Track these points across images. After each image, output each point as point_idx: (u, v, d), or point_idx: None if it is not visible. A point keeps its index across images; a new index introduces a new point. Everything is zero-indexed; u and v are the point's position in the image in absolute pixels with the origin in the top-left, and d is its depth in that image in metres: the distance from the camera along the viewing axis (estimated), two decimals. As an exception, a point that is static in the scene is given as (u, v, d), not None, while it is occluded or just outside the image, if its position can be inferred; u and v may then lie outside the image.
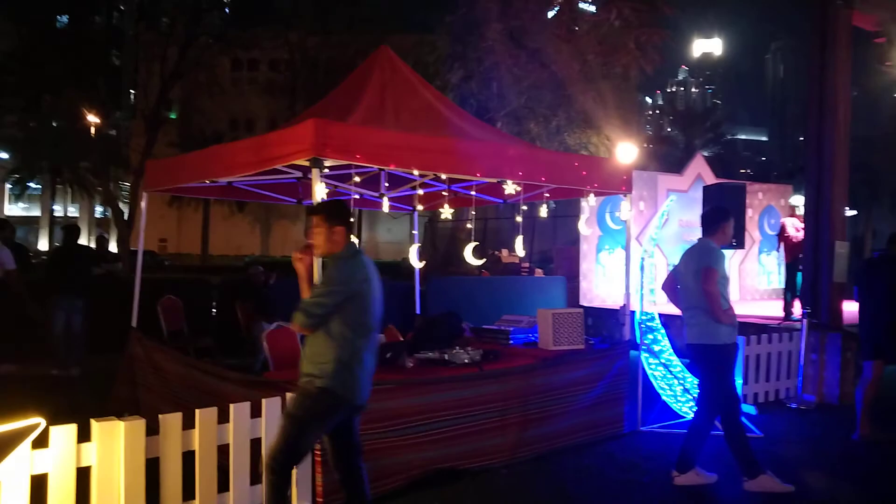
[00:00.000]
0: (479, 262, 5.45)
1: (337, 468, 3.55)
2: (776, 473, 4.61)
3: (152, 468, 3.36)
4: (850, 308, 8.47)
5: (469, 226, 5.48)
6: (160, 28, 26.67)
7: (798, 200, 9.91)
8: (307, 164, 4.24)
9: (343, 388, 3.31)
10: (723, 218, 4.81)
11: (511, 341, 6.03)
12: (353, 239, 3.49)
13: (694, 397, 6.05)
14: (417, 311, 8.23)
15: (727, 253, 10.19)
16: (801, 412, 7.00)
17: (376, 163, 4.50)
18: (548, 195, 5.78)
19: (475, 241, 5.53)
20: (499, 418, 5.06)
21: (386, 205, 5.83)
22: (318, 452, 4.04)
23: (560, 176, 5.50)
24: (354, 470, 3.53)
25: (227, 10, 32.65)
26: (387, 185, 5.41)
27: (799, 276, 9.18)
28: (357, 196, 6.04)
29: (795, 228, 9.44)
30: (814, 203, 7.91)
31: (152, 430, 3.39)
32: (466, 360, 5.13)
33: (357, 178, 4.97)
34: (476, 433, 4.94)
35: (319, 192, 4.16)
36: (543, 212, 5.83)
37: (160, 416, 3.52)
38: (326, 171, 4.44)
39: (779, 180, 27.51)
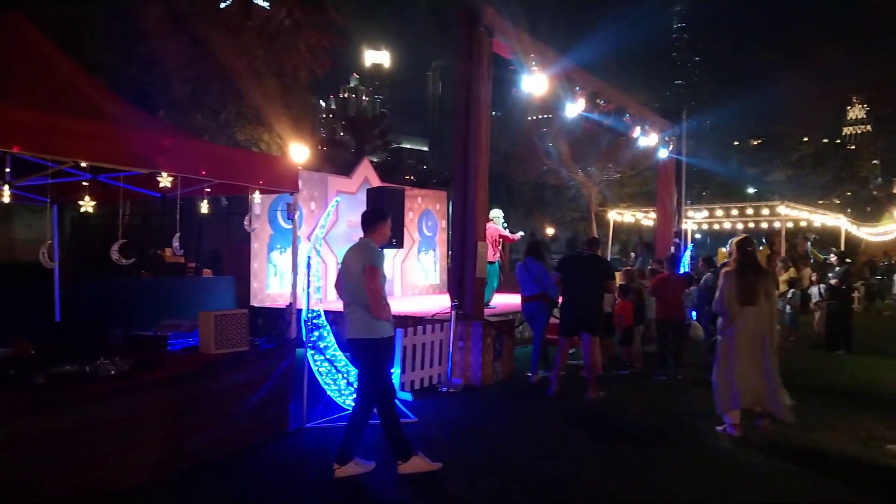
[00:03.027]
0: (128, 262, 4.94)
1: None
2: (428, 453, 5.00)
3: None
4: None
5: (117, 221, 4.93)
6: None
7: (495, 213, 11.62)
8: None
9: None
10: (380, 219, 5.06)
11: (169, 347, 5.60)
12: None
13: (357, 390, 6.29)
14: (58, 319, 7.20)
15: (389, 251, 10.80)
16: (450, 395, 7.74)
17: (-8, 144, 3.79)
18: (209, 190, 5.49)
19: (125, 238, 5.00)
20: (153, 431, 4.66)
21: (7, 195, 4.95)
22: None
23: (223, 171, 5.25)
24: None
25: None
26: (9, 171, 4.58)
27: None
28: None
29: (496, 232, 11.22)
30: (461, 208, 8.80)
31: None
32: (113, 372, 4.61)
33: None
34: (127, 450, 4.49)
35: None
36: (204, 207, 5.52)
37: None
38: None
39: (437, 187, 30.28)
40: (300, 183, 6.30)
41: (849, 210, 34.16)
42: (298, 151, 12.57)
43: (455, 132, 9.08)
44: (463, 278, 8.64)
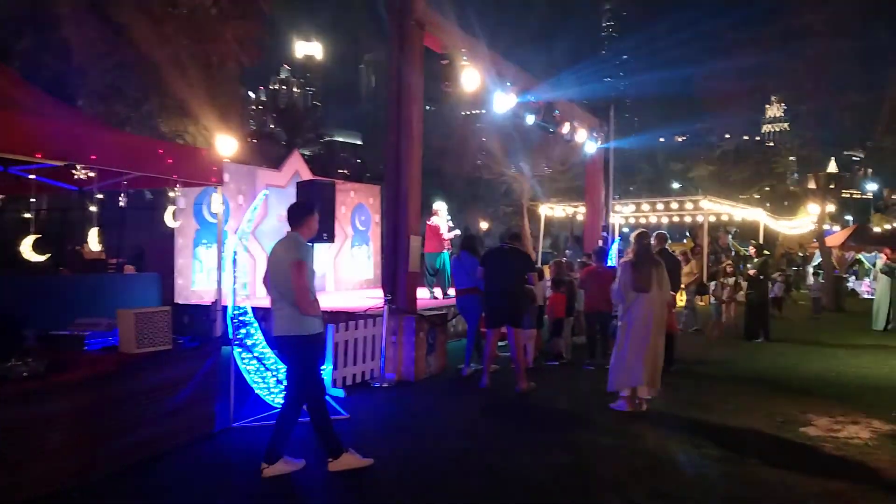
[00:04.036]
0: (42, 258, 4.70)
1: None
2: (359, 449, 4.96)
3: None
4: (423, 294, 9.66)
5: (27, 215, 4.70)
6: None
7: (440, 205, 12.04)
8: None
9: None
10: (307, 212, 4.96)
11: (87, 347, 5.36)
12: None
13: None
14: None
15: (322, 246, 10.64)
16: (383, 390, 7.70)
17: None
18: (126, 183, 5.27)
19: (38, 233, 4.75)
20: (71, 435, 4.45)
21: None
22: None
23: (141, 163, 5.05)
24: None
25: None
26: None
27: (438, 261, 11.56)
28: None
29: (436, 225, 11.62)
30: (393, 201, 8.76)
31: None
32: (26, 374, 4.38)
33: None
34: (43, 455, 4.28)
35: None
36: (124, 202, 5.30)
37: None
38: None
39: (371, 181, 30.06)
40: (227, 176, 6.16)
41: (767, 204, 35.72)
42: (225, 144, 12.18)
43: (387, 125, 9.02)
44: (396, 272, 8.60)
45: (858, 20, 19.16)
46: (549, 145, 26.69)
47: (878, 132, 19.62)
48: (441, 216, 11.75)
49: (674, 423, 6.34)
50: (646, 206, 22.62)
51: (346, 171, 64.69)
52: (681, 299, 13.83)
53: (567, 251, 24.89)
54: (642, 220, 23.23)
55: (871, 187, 51.73)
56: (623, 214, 22.90)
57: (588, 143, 14.55)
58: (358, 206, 15.04)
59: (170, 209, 5.56)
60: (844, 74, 20.51)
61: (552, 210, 24.97)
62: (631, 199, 27.16)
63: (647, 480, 4.80)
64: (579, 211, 22.60)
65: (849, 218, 51.63)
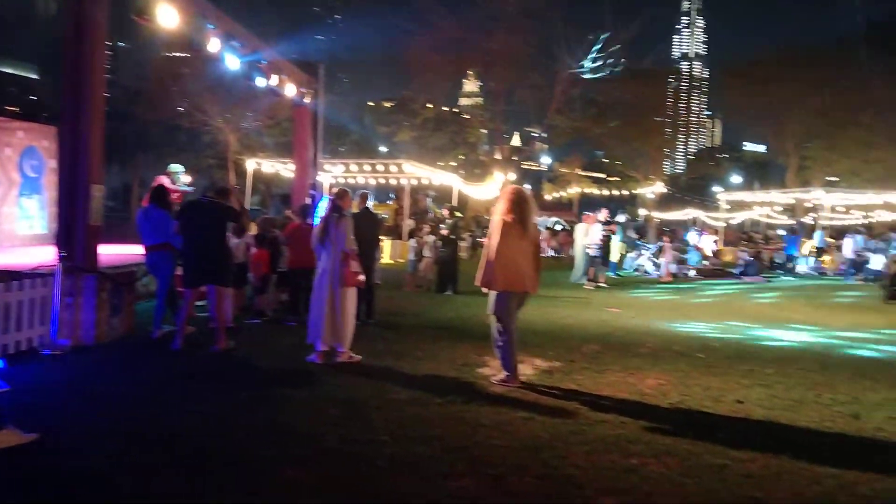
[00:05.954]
0: None
1: None
2: (24, 424, 4.40)
3: None
4: (106, 251, 8.78)
5: None
6: None
7: (174, 167, 11.81)
8: None
9: None
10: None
11: None
12: None
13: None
14: None
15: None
16: (54, 358, 6.84)
17: None
18: None
19: None
20: None
21: None
22: None
23: None
24: None
25: None
26: None
27: None
28: None
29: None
30: (70, 144, 7.73)
31: None
32: None
33: None
34: None
35: None
36: None
37: None
38: None
39: (49, 122, 26.13)
40: None
41: (461, 171, 38.92)
42: None
43: (64, 58, 7.90)
44: (73, 226, 7.63)
45: (545, 10, 21.69)
46: (257, 97, 25.78)
47: (551, 111, 22.52)
48: (174, 178, 11.49)
49: (368, 372, 6.68)
50: (354, 167, 23.18)
51: (16, 109, 55.27)
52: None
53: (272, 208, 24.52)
54: (351, 181, 23.78)
55: (546, 160, 59.40)
56: (333, 174, 23.20)
57: (296, 99, 14.33)
58: (28, 149, 12.98)
59: None
60: (530, 58, 23.11)
61: (259, 165, 24.30)
62: (340, 159, 27.56)
63: (340, 428, 4.97)
64: (289, 168, 22.35)
65: (527, 186, 58.76)
